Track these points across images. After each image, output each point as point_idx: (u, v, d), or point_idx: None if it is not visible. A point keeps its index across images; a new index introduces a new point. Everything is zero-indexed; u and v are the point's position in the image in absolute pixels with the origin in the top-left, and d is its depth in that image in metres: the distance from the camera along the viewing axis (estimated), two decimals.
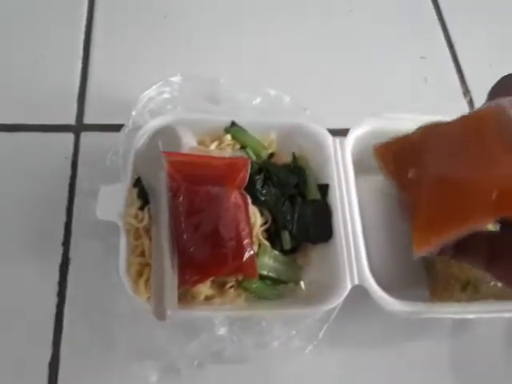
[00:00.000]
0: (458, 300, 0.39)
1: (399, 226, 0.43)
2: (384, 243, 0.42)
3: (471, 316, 0.39)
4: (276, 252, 0.39)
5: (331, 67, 0.55)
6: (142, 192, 0.37)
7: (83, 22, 0.53)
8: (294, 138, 0.44)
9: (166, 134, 0.39)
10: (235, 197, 0.37)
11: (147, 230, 0.36)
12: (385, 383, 0.40)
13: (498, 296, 0.39)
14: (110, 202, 0.36)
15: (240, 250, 0.35)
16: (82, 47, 0.51)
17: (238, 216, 0.36)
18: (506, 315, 0.40)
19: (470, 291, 0.40)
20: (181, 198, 0.35)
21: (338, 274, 0.37)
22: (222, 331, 0.35)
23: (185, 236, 0.34)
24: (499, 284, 0.39)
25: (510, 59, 0.60)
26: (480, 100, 0.57)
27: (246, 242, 0.35)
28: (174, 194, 0.36)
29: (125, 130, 0.40)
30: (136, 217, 0.36)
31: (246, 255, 0.35)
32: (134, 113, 0.41)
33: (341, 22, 0.59)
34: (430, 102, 0.54)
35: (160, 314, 0.30)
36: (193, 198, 0.35)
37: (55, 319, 0.38)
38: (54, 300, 0.38)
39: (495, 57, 0.60)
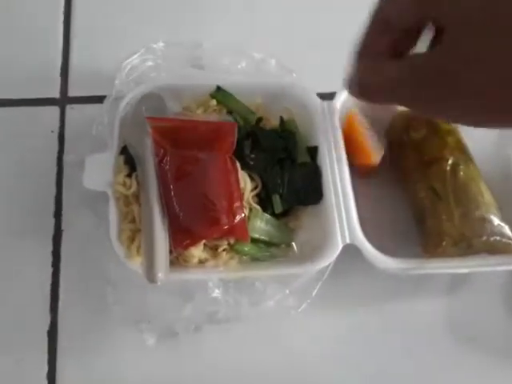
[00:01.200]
0: (451, 255, 0.40)
1: (390, 185, 0.44)
2: (375, 202, 0.42)
3: (465, 271, 0.39)
4: (267, 215, 0.39)
5: (318, 29, 0.53)
6: (128, 159, 0.37)
7: None
8: (282, 101, 0.43)
9: (151, 100, 0.38)
10: (224, 161, 0.37)
11: (136, 197, 0.36)
12: (378, 341, 0.40)
13: (491, 250, 0.40)
14: (98, 171, 0.36)
15: (231, 212, 0.35)
16: (63, 19, 0.50)
17: (227, 180, 0.36)
18: (500, 268, 0.40)
19: (463, 246, 0.40)
20: (167, 164, 0.35)
21: (329, 233, 0.38)
22: (217, 293, 0.35)
23: (174, 201, 0.34)
24: (492, 238, 0.39)
25: None
26: None
27: (236, 204, 0.35)
28: (160, 159, 0.35)
29: (109, 100, 0.40)
30: (124, 184, 0.36)
31: (237, 218, 0.35)
32: (117, 82, 0.40)
33: None
34: None
35: (151, 277, 0.31)
36: (180, 162, 0.35)
37: (51, 288, 0.38)
38: (49, 270, 0.39)
39: None
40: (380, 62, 0.26)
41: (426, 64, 0.23)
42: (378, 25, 0.26)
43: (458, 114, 0.25)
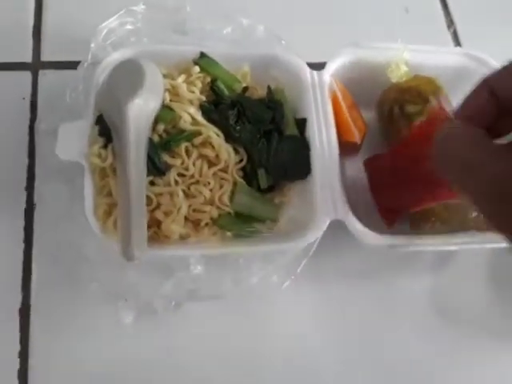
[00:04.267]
0: (439, 232, 0.39)
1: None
2: (363, 176, 0.41)
3: (453, 248, 0.39)
4: (252, 190, 0.38)
5: None
6: (104, 129, 0.35)
7: None
8: (269, 70, 0.41)
9: (128, 67, 0.36)
10: None
11: (114, 169, 0.34)
12: (364, 318, 0.40)
13: (480, 228, 0.39)
14: (72, 141, 0.34)
15: None
16: None
17: None
18: (488, 246, 0.40)
19: (451, 223, 0.39)
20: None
21: (316, 209, 0.36)
22: (198, 270, 0.34)
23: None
24: (480, 215, 0.39)
25: None
26: (464, 32, 0.54)
27: None
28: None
29: (83, 65, 0.37)
30: (100, 156, 0.34)
31: None
32: (92, 45, 0.38)
33: None
34: (410, 33, 0.51)
35: (128, 255, 0.29)
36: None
37: (23, 266, 0.36)
38: (20, 246, 0.37)
39: None
40: (480, 137, 0.21)
41: None
42: (483, 90, 0.24)
43: None
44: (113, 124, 0.34)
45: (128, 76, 0.35)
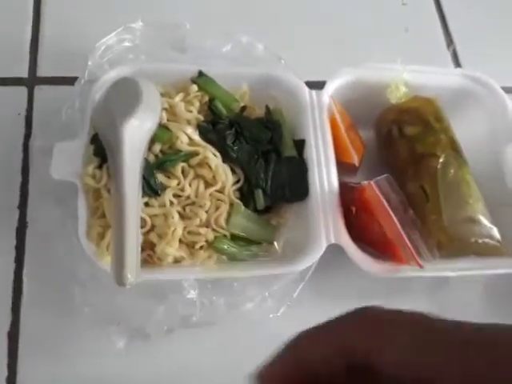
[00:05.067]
0: (434, 257, 0.38)
1: None
2: None
3: (451, 274, 0.38)
4: (249, 211, 0.37)
5: (308, 15, 0.51)
6: (99, 149, 0.34)
7: None
8: (268, 89, 0.41)
9: (125, 85, 0.35)
10: None
11: (108, 190, 0.33)
12: None
13: (479, 253, 0.39)
14: (66, 161, 0.34)
15: None
16: None
17: None
18: (488, 272, 0.40)
19: (450, 248, 0.39)
20: None
21: (313, 232, 0.36)
22: (192, 294, 0.33)
23: None
24: (480, 240, 0.38)
25: (494, 10, 0.57)
26: (464, 53, 0.54)
27: None
28: None
29: (80, 82, 0.37)
30: (94, 176, 0.33)
31: None
32: (90, 63, 0.37)
33: None
34: (410, 52, 0.51)
35: (121, 280, 0.28)
36: None
37: (13, 286, 0.35)
38: (11, 266, 0.36)
39: (480, 7, 0.57)
40: None
41: None
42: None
43: None
44: (108, 143, 0.33)
45: (124, 95, 0.34)
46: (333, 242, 0.35)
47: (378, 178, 0.37)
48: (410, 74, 0.43)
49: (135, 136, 0.33)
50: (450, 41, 0.55)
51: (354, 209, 0.38)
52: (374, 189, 0.36)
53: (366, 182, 0.37)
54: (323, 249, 0.35)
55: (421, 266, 0.36)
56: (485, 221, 0.39)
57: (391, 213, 0.36)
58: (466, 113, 0.45)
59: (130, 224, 0.31)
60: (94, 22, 0.45)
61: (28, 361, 0.33)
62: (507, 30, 0.57)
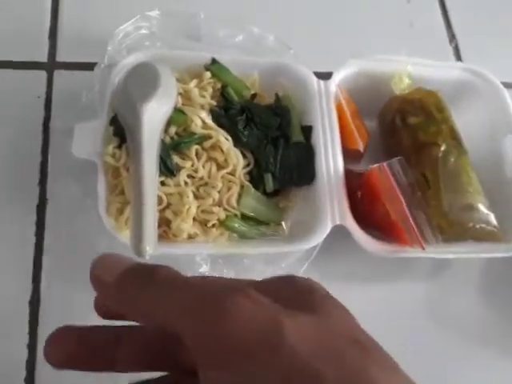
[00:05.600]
0: (436, 240, 0.40)
1: None
2: None
3: (450, 256, 0.40)
4: (258, 193, 0.39)
5: (318, 8, 0.53)
6: (118, 130, 0.36)
7: None
8: (278, 78, 0.42)
9: (144, 70, 0.37)
10: None
11: (127, 169, 0.35)
12: (361, 321, 0.41)
13: (477, 238, 0.40)
14: (87, 140, 0.35)
15: None
16: None
17: None
18: (484, 255, 0.41)
19: (450, 233, 0.40)
20: None
21: (319, 213, 0.38)
22: (204, 268, 0.35)
23: None
24: (478, 226, 0.40)
25: (495, 7, 0.59)
26: (466, 47, 0.56)
27: None
28: None
29: (100, 67, 0.38)
30: (114, 155, 0.35)
31: None
32: (109, 48, 0.39)
33: None
34: (414, 46, 0.52)
35: (139, 251, 0.30)
36: None
37: (34, 261, 0.37)
38: (32, 241, 0.38)
39: (482, 3, 0.59)
40: None
41: None
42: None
43: None
44: (127, 125, 0.35)
45: (143, 79, 0.36)
46: (338, 223, 0.37)
47: (392, 160, 0.39)
48: (414, 67, 0.45)
49: (153, 118, 0.35)
50: (452, 36, 0.57)
51: (359, 193, 0.40)
52: (386, 170, 0.38)
53: (376, 165, 0.38)
54: (328, 229, 0.37)
55: (423, 248, 0.37)
56: (483, 207, 0.41)
57: (400, 195, 0.37)
58: (467, 105, 0.47)
59: (147, 200, 0.32)
60: (112, 9, 0.46)
61: (47, 330, 0.35)
62: (507, 26, 0.58)
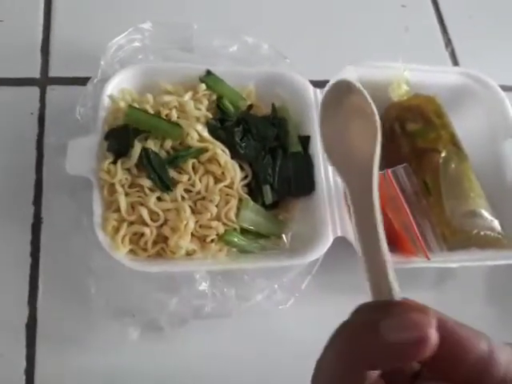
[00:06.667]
0: (441, 248, 0.39)
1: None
2: None
3: (454, 265, 0.39)
4: (257, 206, 0.38)
5: (311, 15, 0.52)
6: (113, 145, 0.35)
7: None
8: (274, 88, 0.42)
9: (355, 107, 0.24)
10: None
11: (122, 185, 0.34)
12: None
13: (481, 245, 0.40)
14: (81, 156, 0.35)
15: None
16: None
17: None
18: (489, 263, 0.40)
19: (453, 241, 0.40)
20: None
21: (320, 226, 0.37)
22: (204, 286, 0.34)
23: None
24: (482, 233, 0.39)
25: (491, 12, 0.59)
26: (461, 51, 0.56)
27: None
28: None
29: (93, 81, 0.38)
30: (109, 171, 0.34)
31: None
32: (102, 62, 0.38)
33: None
34: (410, 51, 0.52)
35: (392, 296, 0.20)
36: None
37: (30, 280, 0.36)
38: (27, 261, 0.37)
39: (477, 8, 0.59)
40: None
41: None
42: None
43: None
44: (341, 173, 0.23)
45: (356, 115, 0.23)
46: (339, 234, 0.36)
47: (396, 167, 0.38)
48: (411, 73, 0.44)
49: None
50: (448, 41, 0.56)
51: None
52: (391, 177, 0.37)
53: (380, 172, 0.37)
54: (330, 241, 0.36)
55: (428, 258, 0.37)
56: (486, 214, 0.40)
57: (404, 203, 0.37)
58: (465, 109, 0.47)
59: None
60: (104, 23, 0.46)
61: (45, 352, 0.34)
62: (502, 29, 0.58)
